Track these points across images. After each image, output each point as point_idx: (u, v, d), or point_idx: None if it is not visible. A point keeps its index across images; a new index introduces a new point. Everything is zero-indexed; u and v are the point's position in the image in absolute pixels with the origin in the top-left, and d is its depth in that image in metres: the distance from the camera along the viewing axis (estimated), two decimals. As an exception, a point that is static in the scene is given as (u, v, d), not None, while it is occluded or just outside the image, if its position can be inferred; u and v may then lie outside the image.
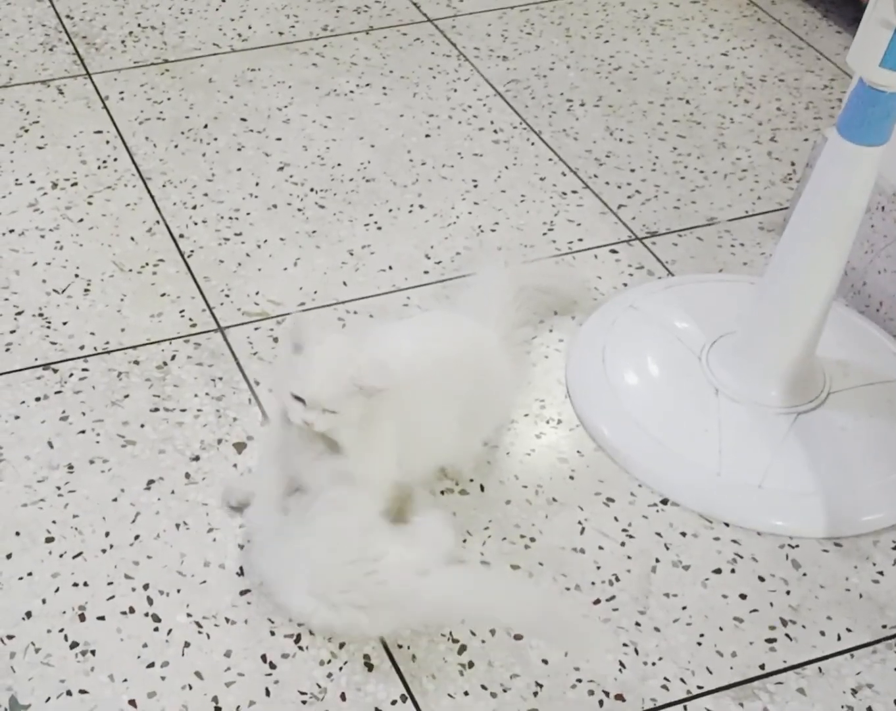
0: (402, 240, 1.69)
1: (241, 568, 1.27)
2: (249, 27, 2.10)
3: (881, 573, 1.29)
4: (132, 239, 1.66)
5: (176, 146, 1.83)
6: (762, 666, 1.21)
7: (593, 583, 1.27)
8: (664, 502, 1.35)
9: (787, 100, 1.99)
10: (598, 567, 1.28)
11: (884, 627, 1.24)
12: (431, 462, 1.34)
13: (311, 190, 1.76)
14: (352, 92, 1.96)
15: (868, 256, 1.58)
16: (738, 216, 1.76)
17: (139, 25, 2.08)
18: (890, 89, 1.22)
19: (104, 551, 1.28)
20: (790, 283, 1.37)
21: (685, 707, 1.17)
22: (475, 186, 1.79)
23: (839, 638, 1.23)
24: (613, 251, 1.69)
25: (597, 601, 1.25)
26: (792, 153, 1.88)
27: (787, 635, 1.23)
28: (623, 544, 1.31)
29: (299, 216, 1.72)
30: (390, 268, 1.64)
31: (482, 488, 1.36)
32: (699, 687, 1.19)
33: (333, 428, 1.17)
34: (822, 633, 1.24)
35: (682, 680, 1.19)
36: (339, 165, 1.81)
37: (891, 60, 1.19)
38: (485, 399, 1.34)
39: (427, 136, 1.88)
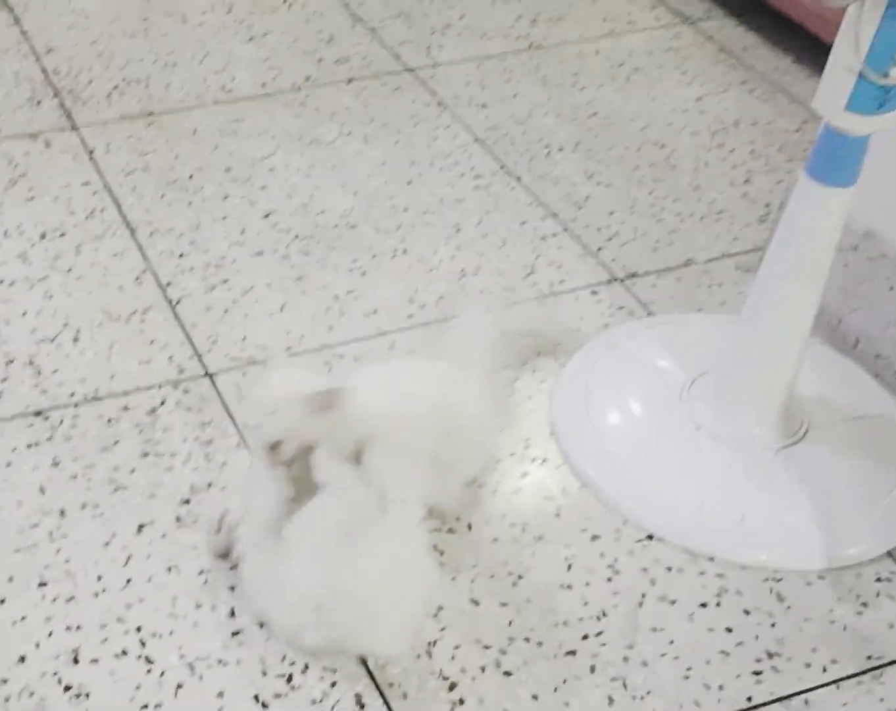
0: (387, 285, 1.71)
1: (232, 610, 1.28)
2: (233, 79, 2.13)
3: (864, 604, 1.31)
4: (120, 288, 1.69)
5: (162, 196, 1.86)
6: (749, 699, 1.22)
7: (581, 619, 1.29)
8: (649, 537, 1.37)
9: (761, 143, 2.04)
10: (586, 603, 1.30)
11: (868, 658, 1.27)
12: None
13: (296, 237, 1.79)
14: (334, 141, 2.00)
15: (842, 294, 1.61)
16: (715, 257, 1.80)
17: (124, 79, 2.12)
18: (856, 132, 1.26)
19: (97, 594, 1.29)
20: (767, 321, 1.40)
21: (674, 740, 1.19)
22: (457, 231, 1.82)
23: (825, 670, 1.25)
24: (594, 293, 1.72)
25: (585, 637, 1.27)
26: (766, 195, 1.92)
27: (773, 667, 1.25)
28: (610, 579, 1.33)
29: (285, 263, 1.74)
30: (375, 312, 1.67)
31: (469, 526, 1.38)
32: (687, 720, 1.21)
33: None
34: (808, 665, 1.26)
35: (670, 713, 1.21)
36: (322, 212, 1.84)
37: (856, 104, 1.22)
38: (461, 440, 1.36)
39: (409, 182, 1.91)
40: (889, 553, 1.36)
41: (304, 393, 1.21)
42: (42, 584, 1.30)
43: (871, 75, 1.19)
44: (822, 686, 1.24)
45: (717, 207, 1.89)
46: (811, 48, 2.24)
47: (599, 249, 1.80)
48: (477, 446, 1.41)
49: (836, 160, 1.29)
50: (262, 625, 1.25)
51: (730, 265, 1.78)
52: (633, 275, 1.75)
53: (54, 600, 1.28)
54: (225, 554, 1.33)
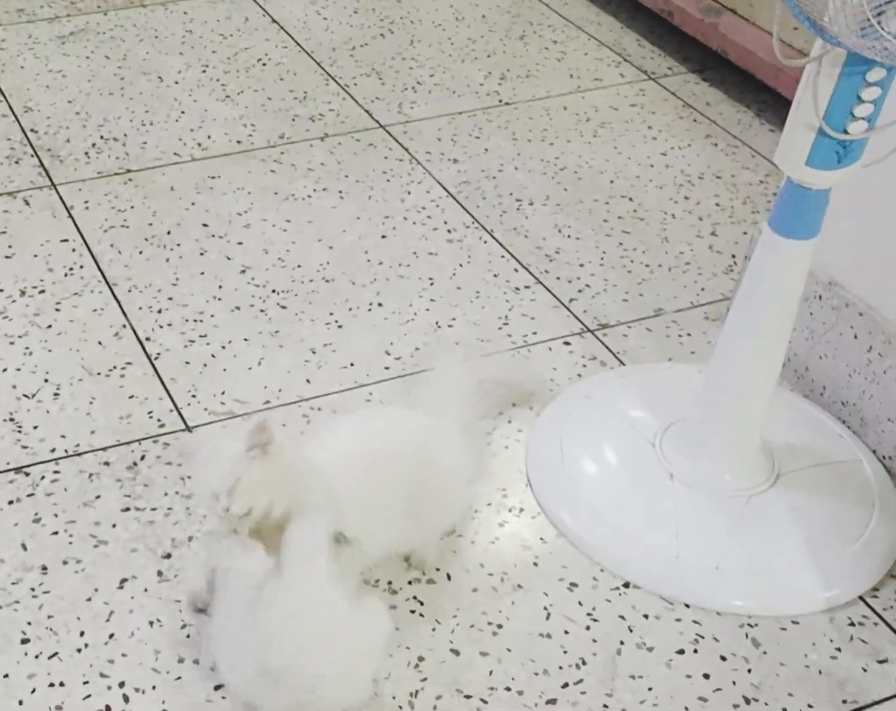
0: (363, 337, 1.74)
1: (215, 663, 1.29)
2: (209, 137, 2.16)
3: (838, 649, 1.34)
4: (100, 343, 1.70)
5: (140, 252, 1.88)
6: (726, 742, 1.25)
7: (561, 667, 1.31)
8: (626, 585, 1.40)
9: (725, 196, 2.09)
10: (565, 652, 1.32)
11: (844, 702, 1.29)
12: (382, 552, 1.37)
13: (273, 291, 1.82)
14: (309, 196, 2.03)
15: (809, 342, 1.66)
16: (683, 307, 1.84)
17: (102, 137, 2.14)
18: (816, 186, 1.29)
19: (79, 650, 1.30)
20: (734, 371, 1.44)
21: (654, 785, 1.21)
22: (431, 284, 1.85)
23: (800, 713, 1.28)
24: (567, 343, 1.75)
25: (565, 685, 1.29)
26: (732, 246, 1.97)
27: (749, 711, 1.28)
28: (588, 627, 1.35)
29: (262, 317, 1.77)
30: (352, 365, 1.69)
31: (449, 576, 1.40)
32: (667, 765, 1.22)
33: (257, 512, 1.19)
34: (785, 710, 1.28)
35: (650, 758, 1.23)
36: (299, 266, 1.87)
37: (815, 159, 1.26)
38: (434, 489, 1.37)
39: (383, 237, 1.95)
40: (861, 597, 1.40)
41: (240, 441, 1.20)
42: (25, 640, 1.30)
43: (829, 132, 1.23)
44: (799, 729, 1.26)
45: (685, 258, 1.94)
46: (772, 103, 2.31)
47: (571, 300, 1.83)
48: (451, 494, 1.43)
49: (797, 214, 1.33)
50: (245, 678, 1.26)
51: (698, 315, 1.82)
52: (605, 326, 1.79)
53: (37, 656, 1.29)
54: (203, 609, 1.34)
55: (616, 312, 1.82)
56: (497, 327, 1.78)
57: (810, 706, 1.28)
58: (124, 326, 1.74)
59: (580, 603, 1.37)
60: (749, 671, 1.31)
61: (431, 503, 1.38)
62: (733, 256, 1.94)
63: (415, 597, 1.37)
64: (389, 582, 1.38)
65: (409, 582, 1.39)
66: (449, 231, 1.97)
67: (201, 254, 1.88)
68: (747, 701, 1.28)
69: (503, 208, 2.03)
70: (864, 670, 1.32)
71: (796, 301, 1.39)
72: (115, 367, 1.66)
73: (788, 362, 1.66)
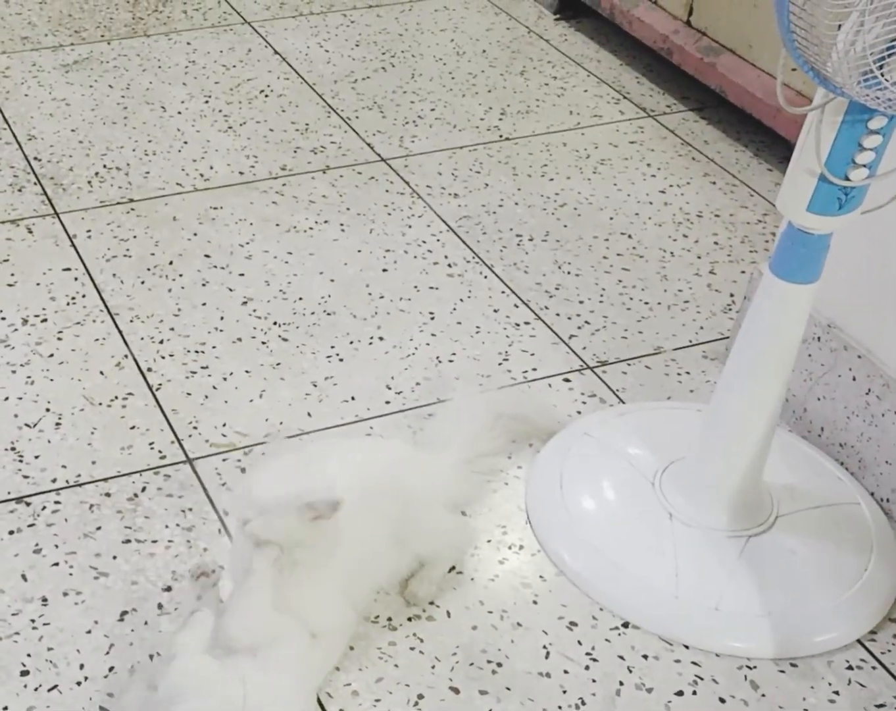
0: (364, 371, 1.75)
1: (214, 699, 1.29)
2: (211, 167, 2.18)
3: (836, 692, 1.35)
4: (101, 373, 1.71)
5: (142, 282, 1.89)
6: (725, 784, 1.25)
7: (560, 707, 1.31)
8: (625, 625, 1.40)
9: (724, 234, 2.11)
10: (564, 692, 1.33)
11: (840, 745, 1.30)
12: (373, 586, 1.39)
13: (275, 324, 1.82)
14: (311, 228, 2.04)
15: (807, 384, 1.67)
16: (682, 345, 1.85)
17: (105, 166, 2.15)
18: (817, 232, 1.31)
19: (79, 683, 1.30)
20: (734, 412, 1.45)
21: None
22: (432, 319, 1.86)
23: (798, 757, 1.28)
24: (566, 380, 1.76)
25: (564, 724, 1.29)
26: (731, 285, 1.98)
27: (747, 753, 1.28)
28: (587, 667, 1.35)
29: (263, 349, 1.77)
30: (353, 399, 1.70)
31: (448, 614, 1.40)
32: None
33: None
34: (781, 751, 1.29)
35: (649, 800, 1.23)
36: (300, 299, 1.88)
37: (817, 205, 1.27)
38: (411, 521, 1.39)
39: (384, 270, 1.96)
40: (859, 641, 1.40)
41: (299, 499, 1.23)
42: (24, 673, 1.30)
43: (831, 178, 1.24)
44: (796, 772, 1.27)
45: (684, 296, 1.95)
46: (769, 142, 2.33)
47: (571, 336, 1.85)
48: (431, 525, 1.43)
49: (798, 258, 1.34)
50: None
51: (697, 354, 1.83)
52: (604, 363, 1.80)
53: (36, 689, 1.29)
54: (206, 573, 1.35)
55: (615, 349, 1.83)
56: (497, 362, 1.79)
57: (808, 749, 1.29)
58: (126, 356, 1.74)
59: (579, 642, 1.38)
60: (748, 713, 1.32)
61: (414, 534, 1.39)
62: (732, 295, 1.96)
63: (414, 634, 1.37)
64: (389, 619, 1.39)
65: (409, 619, 1.39)
66: (449, 266, 1.98)
67: (203, 285, 1.89)
68: (746, 744, 1.29)
69: (503, 244, 2.04)
70: (862, 714, 1.33)
71: (796, 345, 1.40)
72: (116, 397, 1.67)
73: (787, 403, 1.67)
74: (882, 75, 1.12)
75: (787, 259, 1.34)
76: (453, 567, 1.45)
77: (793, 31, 1.10)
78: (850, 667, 1.37)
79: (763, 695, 1.34)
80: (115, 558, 1.44)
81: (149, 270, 1.91)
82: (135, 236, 1.99)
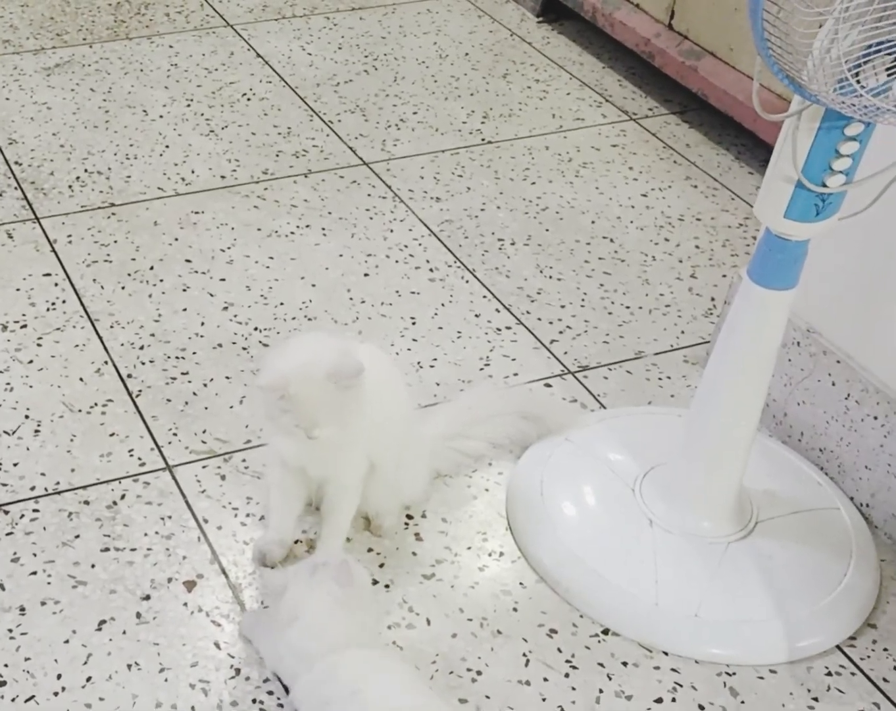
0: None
1: (192, 708, 1.29)
2: (192, 172, 2.17)
3: (815, 699, 1.35)
4: (81, 380, 1.70)
5: (123, 288, 1.88)
6: (703, 791, 1.25)
7: (539, 714, 1.31)
8: (605, 632, 1.40)
9: (705, 238, 2.11)
10: (544, 699, 1.33)
11: (819, 751, 1.30)
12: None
13: (255, 329, 1.82)
14: (292, 233, 2.04)
15: (787, 388, 1.67)
16: (663, 350, 1.85)
17: (86, 171, 2.14)
18: (795, 238, 1.31)
19: (56, 693, 1.29)
20: (713, 417, 1.45)
21: None
22: (413, 324, 1.86)
23: (776, 763, 1.29)
24: (548, 385, 1.76)
25: (543, 732, 1.29)
26: (711, 289, 1.99)
27: (726, 760, 1.28)
28: (567, 675, 1.35)
29: (244, 355, 1.77)
30: (334, 405, 1.69)
31: (428, 621, 1.40)
32: None
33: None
34: (760, 758, 1.29)
35: None
36: (281, 304, 1.87)
37: (794, 212, 1.27)
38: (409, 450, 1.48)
39: (366, 274, 1.96)
40: (839, 647, 1.40)
41: (329, 373, 1.30)
42: (1, 683, 1.30)
43: (808, 185, 1.24)
44: (775, 778, 1.27)
45: (665, 300, 1.95)
46: (751, 146, 2.33)
47: (552, 341, 1.85)
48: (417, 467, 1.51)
49: (776, 264, 1.34)
50: (224, 724, 1.26)
51: (678, 358, 1.83)
52: (585, 368, 1.80)
53: (13, 700, 1.28)
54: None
55: (597, 354, 1.83)
56: (478, 367, 1.79)
57: (787, 755, 1.29)
58: (106, 362, 1.73)
59: (559, 650, 1.38)
60: (727, 720, 1.32)
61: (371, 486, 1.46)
62: (713, 299, 1.96)
63: (394, 642, 1.37)
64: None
65: (389, 627, 1.39)
66: (431, 270, 1.98)
67: (184, 290, 1.89)
68: (725, 750, 1.29)
69: (485, 248, 2.04)
70: (841, 720, 1.33)
71: (775, 350, 1.40)
72: (96, 404, 1.66)
73: (767, 408, 1.67)
74: (857, 83, 1.12)
75: (764, 265, 1.35)
76: (433, 574, 1.45)
77: (767, 40, 1.10)
78: (829, 673, 1.37)
79: (742, 702, 1.34)
80: (93, 566, 1.43)
81: (129, 275, 1.91)
82: (115, 241, 1.98)
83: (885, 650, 1.40)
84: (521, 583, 1.46)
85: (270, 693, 1.31)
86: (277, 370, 1.31)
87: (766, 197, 1.30)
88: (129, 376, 1.71)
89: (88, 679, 1.31)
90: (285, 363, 1.32)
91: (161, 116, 2.32)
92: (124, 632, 1.36)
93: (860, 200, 1.31)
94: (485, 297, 1.93)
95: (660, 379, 1.79)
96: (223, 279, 1.91)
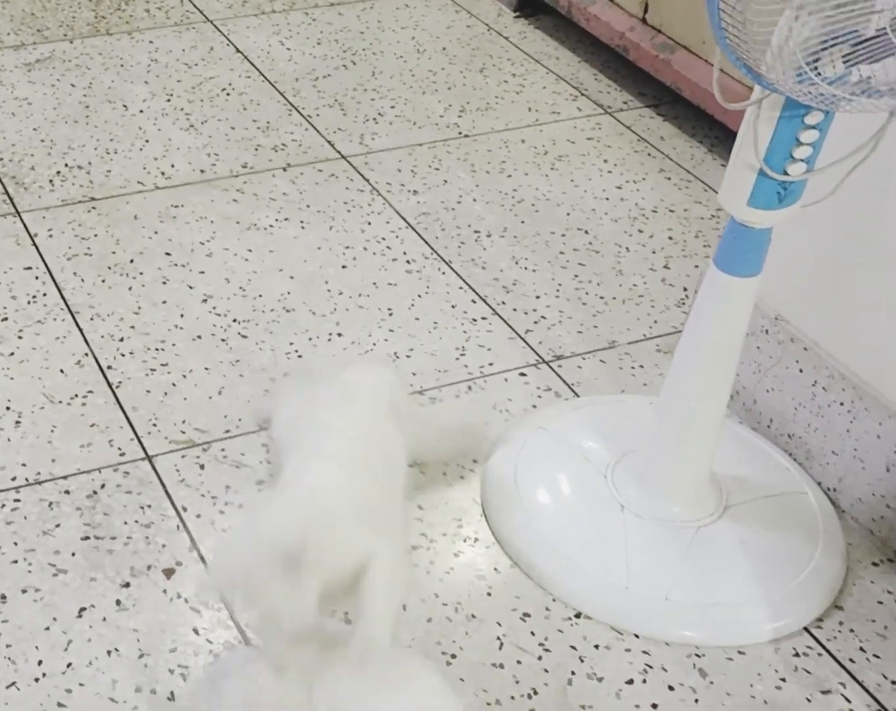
0: (322, 368, 1.77)
1: (171, 693, 1.31)
2: (172, 166, 2.19)
3: (783, 679, 1.38)
4: (62, 371, 1.72)
5: (103, 281, 1.90)
6: (673, 769, 1.28)
7: (513, 697, 1.33)
8: (577, 615, 1.43)
9: (678, 229, 2.14)
10: (517, 681, 1.35)
11: (786, 730, 1.33)
12: None
13: (234, 321, 1.84)
14: (271, 226, 2.06)
15: (756, 376, 1.70)
16: (636, 339, 1.88)
17: (66, 165, 2.16)
18: (758, 226, 1.33)
19: (37, 679, 1.31)
20: (682, 404, 1.47)
21: None
22: (390, 315, 1.88)
23: (745, 742, 1.32)
24: (522, 374, 1.79)
25: (516, 713, 1.32)
26: (684, 279, 2.02)
27: (695, 738, 1.31)
28: (540, 658, 1.38)
29: (223, 346, 1.79)
30: (312, 395, 1.72)
31: (404, 607, 1.43)
32: (615, 792, 1.26)
33: None
34: (728, 736, 1.32)
35: (598, 785, 1.26)
36: (260, 296, 1.90)
37: (757, 200, 1.30)
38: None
39: (343, 267, 1.98)
40: (806, 628, 1.43)
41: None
42: (-17, 670, 1.32)
43: (770, 173, 1.27)
44: (743, 756, 1.30)
45: (638, 291, 1.98)
46: (723, 138, 2.36)
47: (527, 331, 1.87)
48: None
49: (740, 252, 1.36)
50: None
51: (650, 347, 1.86)
52: (560, 357, 1.83)
53: (-5, 685, 1.30)
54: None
55: (571, 343, 1.86)
56: (454, 358, 1.81)
57: (754, 733, 1.32)
58: (86, 354, 1.75)
59: (532, 633, 1.41)
60: (696, 701, 1.35)
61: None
62: (685, 289, 1.99)
63: (371, 626, 1.40)
64: (346, 612, 1.41)
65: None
66: (408, 262, 2.00)
67: (164, 283, 1.90)
68: (693, 729, 1.32)
69: (461, 240, 2.06)
70: (809, 700, 1.36)
71: (741, 336, 1.43)
72: (76, 395, 1.68)
73: (737, 395, 1.71)
74: (815, 72, 1.14)
75: (729, 253, 1.37)
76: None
77: (724, 29, 1.12)
78: (796, 654, 1.41)
79: (711, 682, 1.37)
80: (73, 554, 1.45)
81: (109, 268, 1.92)
82: (96, 235, 2.00)
83: (852, 630, 1.43)
84: (495, 568, 1.49)
85: (248, 676, 1.33)
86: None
87: (730, 185, 1.32)
88: (109, 367, 1.73)
89: (69, 665, 1.33)
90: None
91: (141, 111, 2.33)
92: (104, 619, 1.38)
93: (824, 188, 1.33)
94: (461, 288, 1.95)
95: (633, 368, 1.82)
96: (202, 272, 1.93)
